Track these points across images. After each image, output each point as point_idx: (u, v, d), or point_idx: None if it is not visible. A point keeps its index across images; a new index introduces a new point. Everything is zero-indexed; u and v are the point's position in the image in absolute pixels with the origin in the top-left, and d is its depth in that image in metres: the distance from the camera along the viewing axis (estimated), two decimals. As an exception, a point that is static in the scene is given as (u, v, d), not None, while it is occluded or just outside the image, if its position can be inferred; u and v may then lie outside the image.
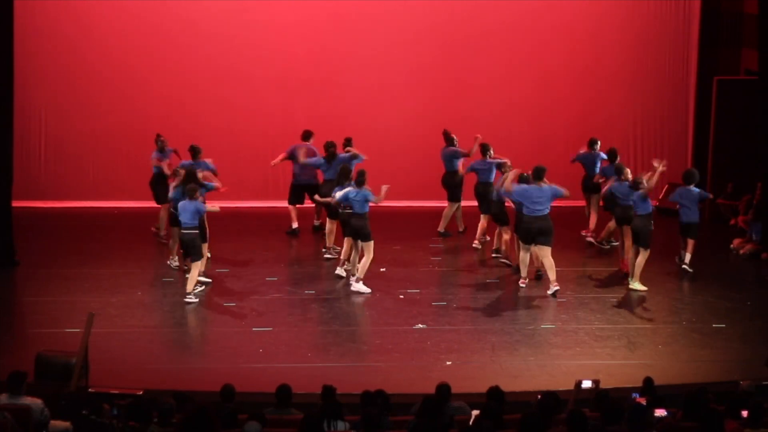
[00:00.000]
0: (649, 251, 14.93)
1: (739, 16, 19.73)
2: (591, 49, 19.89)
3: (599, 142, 17.29)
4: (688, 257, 15.79)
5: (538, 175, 14.78)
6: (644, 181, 15.01)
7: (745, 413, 9.09)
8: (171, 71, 19.42)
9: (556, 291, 14.66)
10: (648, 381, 10.30)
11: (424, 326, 13.68)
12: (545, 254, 14.72)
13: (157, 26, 19.37)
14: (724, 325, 13.84)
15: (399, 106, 19.63)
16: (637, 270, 15.00)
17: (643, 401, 9.68)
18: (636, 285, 15.01)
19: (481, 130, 19.32)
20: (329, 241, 16.26)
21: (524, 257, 14.96)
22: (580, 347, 13.07)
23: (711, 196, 16.61)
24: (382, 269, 15.65)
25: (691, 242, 15.74)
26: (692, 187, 15.70)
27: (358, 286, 14.79)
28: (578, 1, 19.82)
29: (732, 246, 17.34)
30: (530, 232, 14.73)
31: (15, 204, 16.25)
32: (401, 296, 14.85)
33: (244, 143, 18.15)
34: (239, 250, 16.57)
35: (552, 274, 14.69)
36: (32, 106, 19.09)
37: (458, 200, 17.39)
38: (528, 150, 18.56)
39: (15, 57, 15.77)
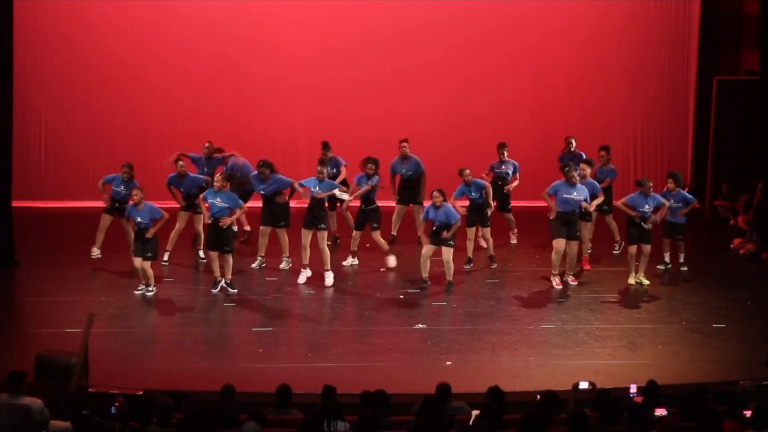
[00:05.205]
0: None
1: (739, 16, 19.71)
2: (591, 50, 19.87)
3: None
4: (682, 257, 15.86)
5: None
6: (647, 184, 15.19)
7: (747, 413, 9.08)
8: (171, 71, 19.41)
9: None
10: (652, 384, 10.23)
11: (424, 326, 13.69)
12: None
13: (157, 26, 19.36)
14: (724, 325, 13.85)
15: (399, 106, 19.62)
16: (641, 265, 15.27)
17: (639, 400, 9.66)
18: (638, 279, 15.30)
19: (482, 130, 19.41)
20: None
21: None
22: (580, 347, 13.08)
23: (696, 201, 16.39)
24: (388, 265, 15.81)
25: (681, 243, 15.76)
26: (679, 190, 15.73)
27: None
28: (578, 1, 19.80)
29: (732, 246, 17.33)
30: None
31: (15, 204, 16.26)
32: (401, 296, 14.86)
33: (244, 143, 18.09)
34: (239, 250, 16.53)
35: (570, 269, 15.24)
36: (32, 106, 19.08)
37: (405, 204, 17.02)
38: (528, 150, 18.60)
39: (15, 57, 15.77)
